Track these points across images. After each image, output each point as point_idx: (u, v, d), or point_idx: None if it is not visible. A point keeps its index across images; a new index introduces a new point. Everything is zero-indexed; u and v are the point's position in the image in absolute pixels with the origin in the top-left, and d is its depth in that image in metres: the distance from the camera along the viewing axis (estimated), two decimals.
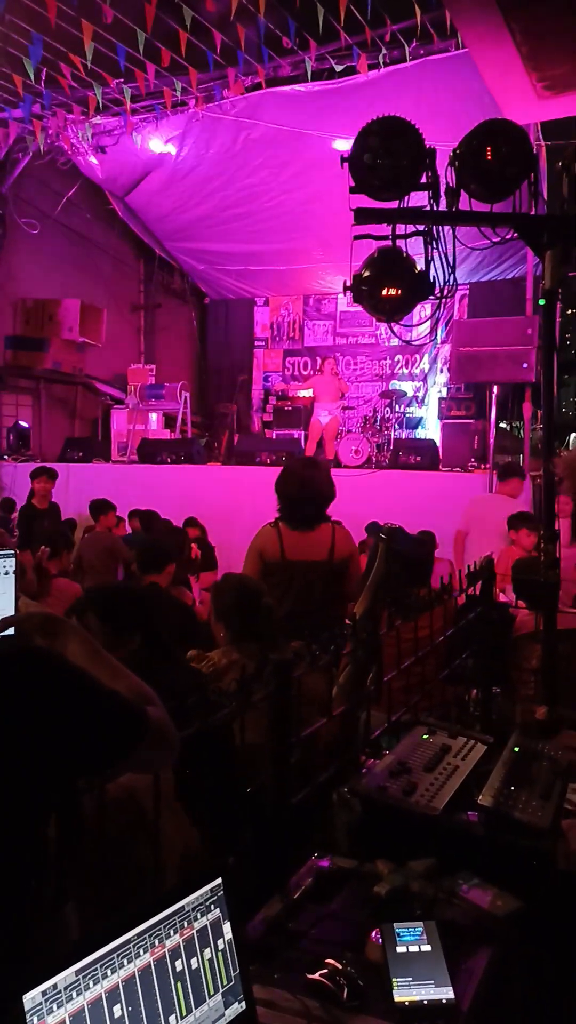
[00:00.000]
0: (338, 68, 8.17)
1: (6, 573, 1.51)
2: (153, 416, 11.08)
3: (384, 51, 7.82)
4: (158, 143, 10.01)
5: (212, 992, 1.23)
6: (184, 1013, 1.18)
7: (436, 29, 7.44)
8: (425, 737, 2.28)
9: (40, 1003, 1.02)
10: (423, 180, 3.17)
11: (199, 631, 3.59)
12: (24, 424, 10.60)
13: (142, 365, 11.85)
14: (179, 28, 7.31)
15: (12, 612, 1.46)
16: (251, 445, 10.18)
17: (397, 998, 1.42)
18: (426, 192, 3.19)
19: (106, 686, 1.31)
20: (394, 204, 3.22)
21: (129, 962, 1.12)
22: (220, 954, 1.25)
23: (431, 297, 3.33)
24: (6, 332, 10.67)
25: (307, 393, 10.99)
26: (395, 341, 11.52)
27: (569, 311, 17.57)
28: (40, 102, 8.70)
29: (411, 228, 3.27)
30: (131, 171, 10.80)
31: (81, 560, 6.61)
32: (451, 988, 1.44)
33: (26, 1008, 1.00)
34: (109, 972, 1.10)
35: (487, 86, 5.28)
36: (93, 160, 10.39)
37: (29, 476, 8.26)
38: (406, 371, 12.49)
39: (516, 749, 2.18)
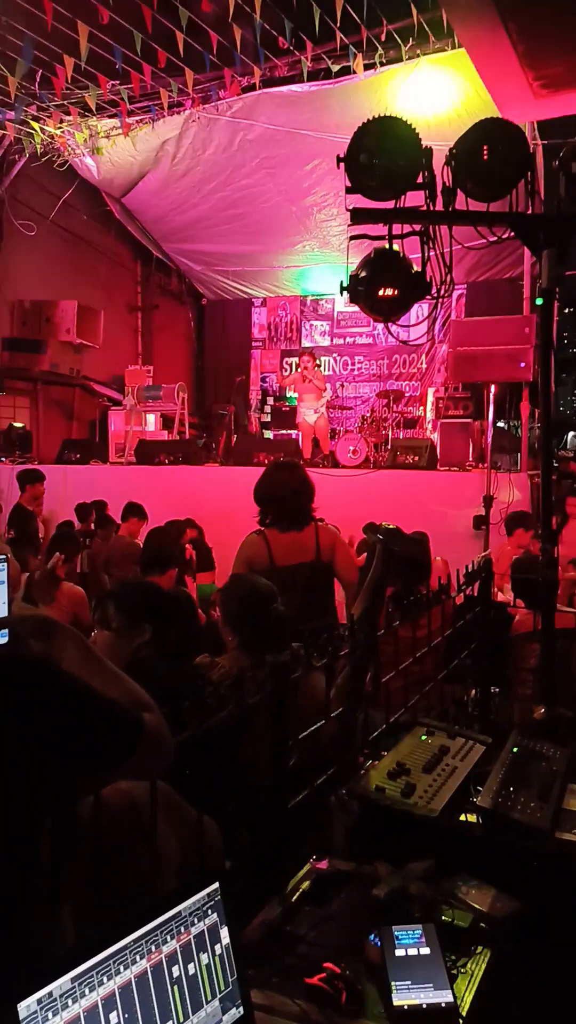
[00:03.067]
0: (334, 68, 8.16)
1: None
2: (151, 417, 11.05)
3: (380, 51, 7.81)
4: (155, 144, 10.00)
5: (209, 997, 1.22)
6: (181, 1019, 1.17)
7: (432, 29, 7.43)
8: (424, 738, 2.28)
9: (35, 1011, 1.01)
10: (419, 180, 3.16)
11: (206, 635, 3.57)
12: (21, 426, 10.59)
13: (139, 366, 11.82)
14: (175, 29, 7.30)
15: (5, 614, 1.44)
16: (249, 446, 10.14)
17: (396, 1002, 1.42)
18: (423, 192, 3.18)
19: (100, 693, 1.30)
20: (391, 204, 3.21)
21: (125, 968, 1.11)
22: (217, 959, 1.25)
23: (428, 297, 3.32)
24: (3, 334, 10.65)
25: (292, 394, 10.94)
26: (392, 341, 11.48)
27: (567, 310, 17.59)
28: (36, 103, 8.68)
29: (408, 228, 3.25)
30: (128, 172, 10.79)
31: (107, 566, 6.66)
32: (450, 991, 1.43)
33: (21, 1017, 0.99)
34: (105, 979, 1.09)
35: (484, 85, 5.28)
36: (89, 162, 10.38)
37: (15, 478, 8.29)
38: (404, 371, 12.49)
39: (515, 749, 2.17)
